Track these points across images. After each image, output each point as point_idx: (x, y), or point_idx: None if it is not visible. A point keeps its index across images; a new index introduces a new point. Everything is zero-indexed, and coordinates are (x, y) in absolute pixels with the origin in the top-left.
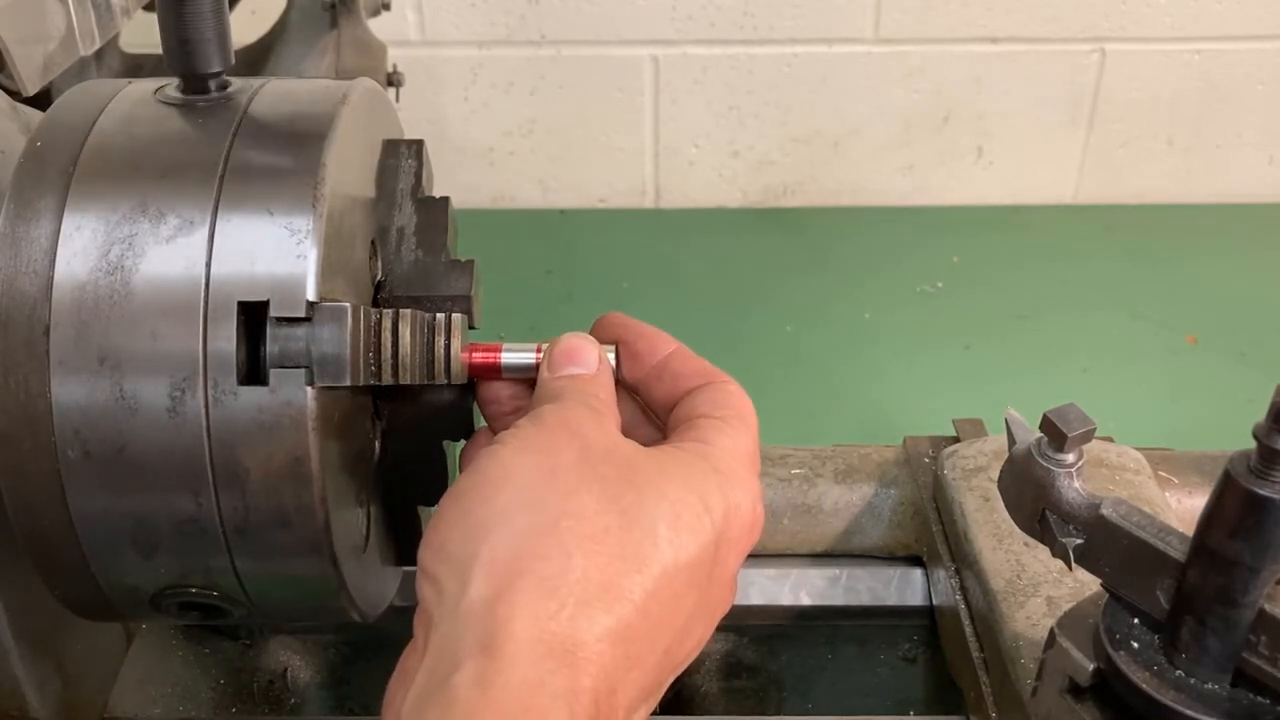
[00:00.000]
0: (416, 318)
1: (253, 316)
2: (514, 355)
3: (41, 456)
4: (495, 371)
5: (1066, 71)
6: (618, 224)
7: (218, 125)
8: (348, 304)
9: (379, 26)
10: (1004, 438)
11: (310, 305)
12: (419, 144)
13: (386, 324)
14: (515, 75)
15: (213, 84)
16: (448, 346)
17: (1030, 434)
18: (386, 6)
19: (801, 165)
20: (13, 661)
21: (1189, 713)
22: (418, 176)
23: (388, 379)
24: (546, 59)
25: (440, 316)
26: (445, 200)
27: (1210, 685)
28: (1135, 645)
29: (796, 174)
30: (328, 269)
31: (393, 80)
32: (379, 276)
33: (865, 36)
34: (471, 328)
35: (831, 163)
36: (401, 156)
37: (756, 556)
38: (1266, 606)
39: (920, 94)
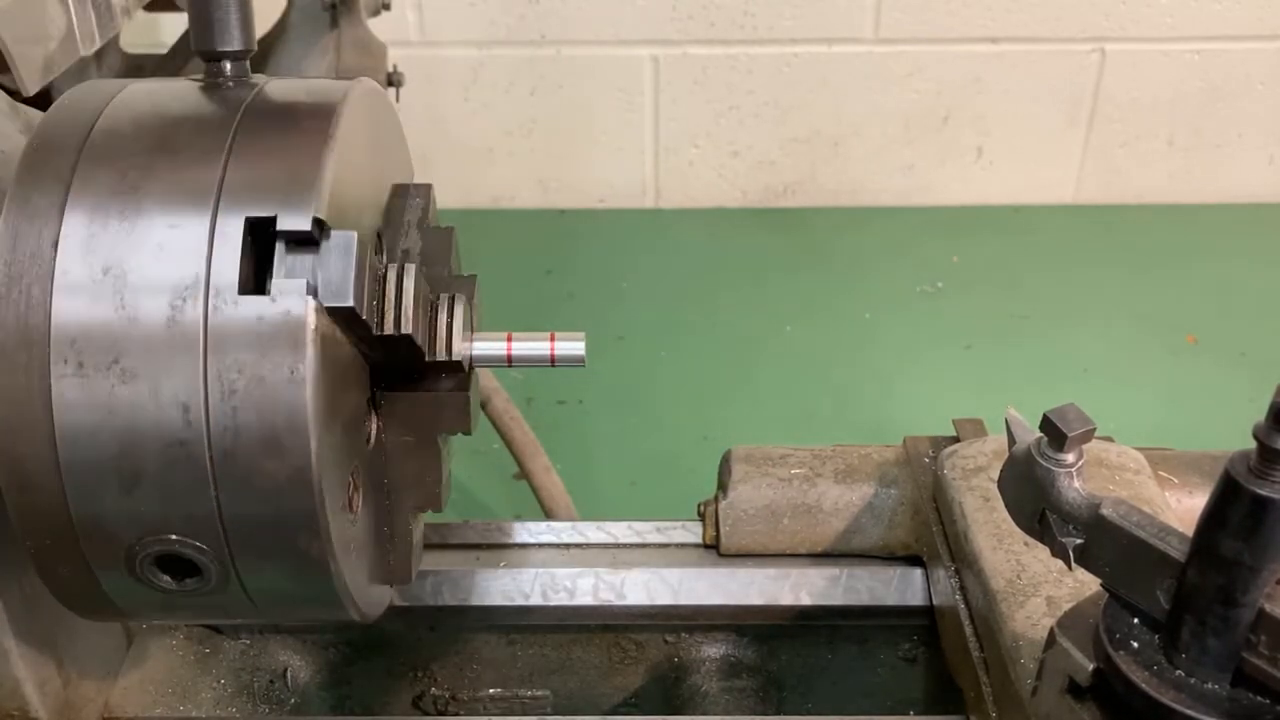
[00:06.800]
0: (420, 278)
1: (260, 235)
2: (524, 345)
3: (34, 370)
4: (505, 360)
5: (1066, 71)
6: (618, 224)
7: (236, 95)
8: (354, 233)
9: (379, 26)
10: (1004, 438)
11: (318, 223)
12: (427, 187)
13: (391, 276)
14: (515, 75)
15: (232, 67)
16: (449, 325)
17: (1030, 434)
18: (386, 6)
19: (801, 165)
20: (13, 661)
21: (1189, 712)
22: (425, 211)
23: (389, 328)
24: (546, 59)
25: (444, 295)
26: (450, 230)
27: (1210, 685)
28: (1135, 645)
29: (796, 174)
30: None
31: (393, 80)
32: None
33: (865, 36)
34: None
35: (831, 162)
36: (409, 196)
37: (757, 556)
38: (1266, 606)
39: (920, 94)
